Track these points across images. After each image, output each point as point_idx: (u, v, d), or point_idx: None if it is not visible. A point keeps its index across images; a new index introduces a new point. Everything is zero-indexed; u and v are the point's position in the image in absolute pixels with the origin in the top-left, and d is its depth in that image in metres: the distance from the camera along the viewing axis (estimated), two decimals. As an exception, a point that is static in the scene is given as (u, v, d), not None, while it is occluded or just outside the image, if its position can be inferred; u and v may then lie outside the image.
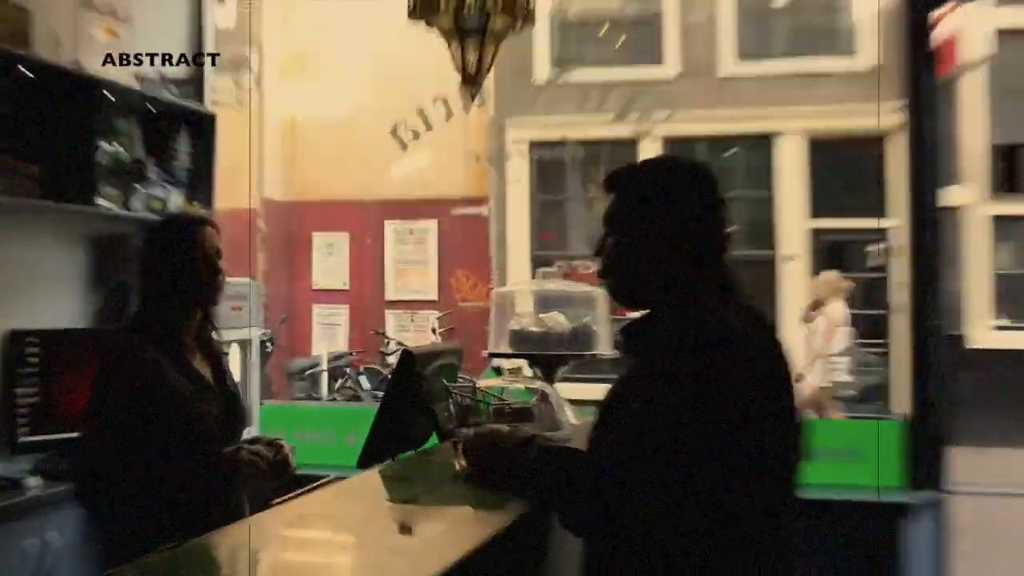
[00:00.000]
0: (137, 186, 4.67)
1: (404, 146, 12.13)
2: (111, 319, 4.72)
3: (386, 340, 13.79)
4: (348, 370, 13.40)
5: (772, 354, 2.33)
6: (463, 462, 2.62)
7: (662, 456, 2.15)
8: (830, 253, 13.77)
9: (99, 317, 4.75)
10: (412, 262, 15.18)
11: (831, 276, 11.21)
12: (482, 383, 3.29)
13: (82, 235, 4.71)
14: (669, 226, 2.39)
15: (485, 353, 4.30)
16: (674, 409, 2.17)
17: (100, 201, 4.46)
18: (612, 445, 2.23)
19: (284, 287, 15.14)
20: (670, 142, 13.87)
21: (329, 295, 15.42)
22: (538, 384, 3.55)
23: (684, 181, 2.43)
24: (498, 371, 4.35)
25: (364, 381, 13.06)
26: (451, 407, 3.16)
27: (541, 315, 4.15)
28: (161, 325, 3.14)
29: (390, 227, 15.20)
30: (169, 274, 3.15)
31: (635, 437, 2.18)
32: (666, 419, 2.17)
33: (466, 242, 14.94)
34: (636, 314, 2.46)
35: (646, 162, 2.53)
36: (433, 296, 15.04)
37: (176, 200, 4.85)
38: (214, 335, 3.31)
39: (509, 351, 4.16)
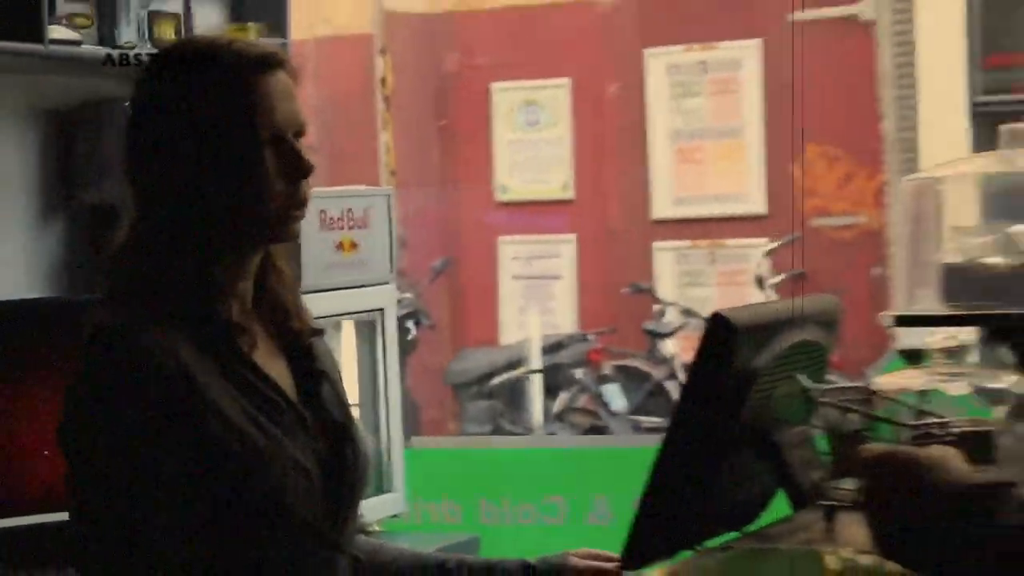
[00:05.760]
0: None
1: None
2: (88, 279, 3.48)
3: (659, 305, 8.36)
4: (581, 373, 8.21)
5: None
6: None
7: None
8: None
9: (60, 274, 3.53)
10: (708, 132, 8.70)
11: None
12: (883, 382, 2.54)
13: (29, 107, 3.53)
14: None
15: (885, 318, 2.96)
16: None
17: (56, 32, 3.31)
18: None
19: (436, 200, 9.10)
20: None
21: (532, 214, 9.02)
22: (1010, 381, 2.67)
23: None
24: (914, 357, 3.07)
25: (615, 395, 8.14)
26: (814, 437, 2.41)
27: (1010, 229, 2.88)
28: (189, 288, 1.94)
29: (656, 58, 8.77)
30: (197, 173, 1.92)
31: None
32: None
33: (824, 82, 7.71)
34: None
35: None
36: (757, 206, 8.45)
37: (208, 18, 3.73)
38: (289, 301, 2.03)
39: (937, 311, 2.93)
